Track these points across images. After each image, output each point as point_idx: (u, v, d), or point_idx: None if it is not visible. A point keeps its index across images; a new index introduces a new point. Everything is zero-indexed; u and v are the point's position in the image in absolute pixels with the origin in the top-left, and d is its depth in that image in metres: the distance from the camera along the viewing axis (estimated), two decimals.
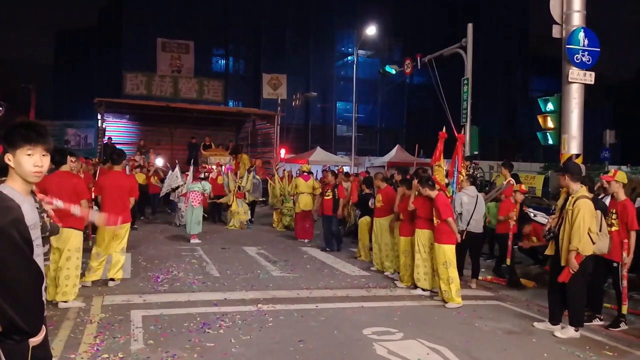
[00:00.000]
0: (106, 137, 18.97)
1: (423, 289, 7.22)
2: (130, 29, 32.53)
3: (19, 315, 1.25)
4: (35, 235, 2.04)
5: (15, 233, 1.22)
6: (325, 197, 10.77)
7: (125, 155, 7.97)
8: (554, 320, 5.71)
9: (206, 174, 14.44)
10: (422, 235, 7.20)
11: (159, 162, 17.52)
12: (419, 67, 16.56)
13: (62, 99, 39.89)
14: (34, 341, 1.38)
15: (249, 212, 14.18)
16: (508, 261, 7.79)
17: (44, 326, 1.48)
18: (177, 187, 13.56)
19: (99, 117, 18.65)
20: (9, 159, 2.18)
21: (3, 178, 2.94)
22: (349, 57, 35.79)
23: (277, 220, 14.18)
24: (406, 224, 7.71)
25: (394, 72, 18.49)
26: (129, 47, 32.49)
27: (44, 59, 46.16)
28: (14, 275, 1.24)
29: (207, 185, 11.89)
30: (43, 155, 2.20)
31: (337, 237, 10.77)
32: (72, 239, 6.02)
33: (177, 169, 14.04)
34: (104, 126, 18.90)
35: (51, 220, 3.98)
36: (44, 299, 1.58)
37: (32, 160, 2.15)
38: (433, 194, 6.90)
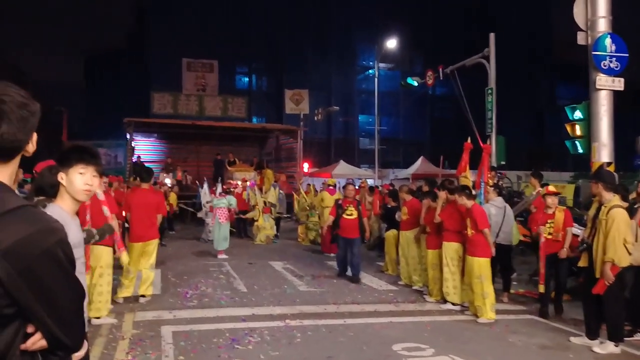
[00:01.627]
0: (135, 156, 19.36)
1: (453, 303, 7.09)
2: (157, 50, 33.32)
3: (63, 332, 1.31)
4: (79, 254, 2.14)
5: (61, 253, 1.29)
6: (346, 216, 9.04)
7: (152, 173, 8.12)
8: (592, 334, 5.52)
9: (232, 189, 14.62)
10: (450, 248, 7.09)
11: (167, 181, 17.68)
12: (441, 79, 16.52)
13: (92, 120, 40.88)
14: (77, 356, 1.44)
15: (275, 227, 14.24)
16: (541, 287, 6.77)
17: (86, 341, 1.55)
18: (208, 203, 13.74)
19: (128, 136, 19.09)
20: (61, 177, 2.37)
21: (41, 197, 3.04)
22: (370, 71, 35.86)
23: (302, 234, 14.19)
24: (433, 237, 7.60)
25: (415, 84, 18.46)
26: (156, 68, 33.26)
27: (75, 82, 47.56)
28: (60, 295, 1.29)
29: (233, 200, 11.98)
30: (93, 175, 2.40)
31: (358, 263, 8.96)
32: (104, 256, 6.14)
33: (205, 186, 14.21)
34: (133, 145, 19.30)
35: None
36: (85, 315, 1.66)
37: (83, 179, 2.36)
38: (469, 203, 6.73)
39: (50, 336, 1.30)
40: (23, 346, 1.29)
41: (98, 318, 6.00)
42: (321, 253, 11.90)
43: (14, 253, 1.21)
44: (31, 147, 1.37)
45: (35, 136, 1.37)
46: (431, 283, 7.63)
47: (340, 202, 9.38)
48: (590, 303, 5.50)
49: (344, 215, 9.03)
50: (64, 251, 1.30)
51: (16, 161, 1.36)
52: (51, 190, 3.42)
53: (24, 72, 41.23)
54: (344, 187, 10.72)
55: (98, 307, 6.01)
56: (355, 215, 9.03)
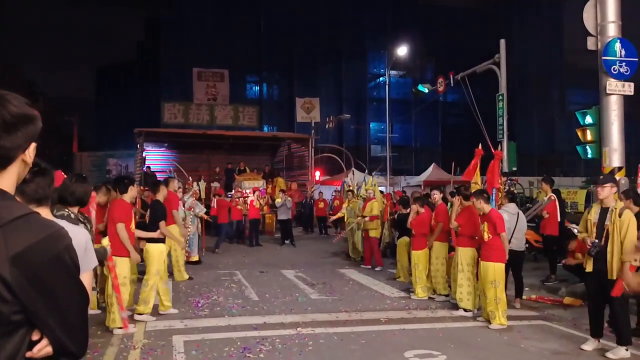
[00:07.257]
0: (145, 166, 19.44)
1: (465, 309, 7.07)
2: (167, 60, 33.60)
3: (69, 338, 1.31)
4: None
5: (69, 259, 1.31)
6: None
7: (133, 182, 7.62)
8: (598, 335, 5.55)
9: (242, 198, 14.60)
10: (465, 254, 7.09)
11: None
12: (452, 85, 16.50)
13: (103, 131, 41.40)
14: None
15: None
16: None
17: None
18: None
19: (139, 146, 19.22)
20: None
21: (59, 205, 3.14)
22: (381, 78, 35.89)
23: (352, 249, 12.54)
24: (418, 239, 8.23)
25: (426, 91, 18.46)
26: (167, 78, 33.54)
27: (86, 93, 48.27)
28: (67, 300, 1.30)
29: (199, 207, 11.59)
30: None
31: None
32: (120, 266, 6.11)
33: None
34: (143, 155, 19.40)
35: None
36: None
37: None
38: (487, 208, 6.72)
39: (57, 342, 1.30)
40: (29, 354, 1.28)
41: (120, 328, 5.99)
42: (342, 263, 11.81)
43: (24, 259, 1.22)
44: (28, 157, 1.35)
45: (33, 146, 1.36)
46: (415, 282, 8.17)
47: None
48: (599, 307, 5.52)
49: None
50: (71, 257, 1.31)
51: (14, 170, 1.34)
52: (72, 199, 3.54)
53: (36, 84, 41.84)
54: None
55: (114, 318, 6.01)
56: None
